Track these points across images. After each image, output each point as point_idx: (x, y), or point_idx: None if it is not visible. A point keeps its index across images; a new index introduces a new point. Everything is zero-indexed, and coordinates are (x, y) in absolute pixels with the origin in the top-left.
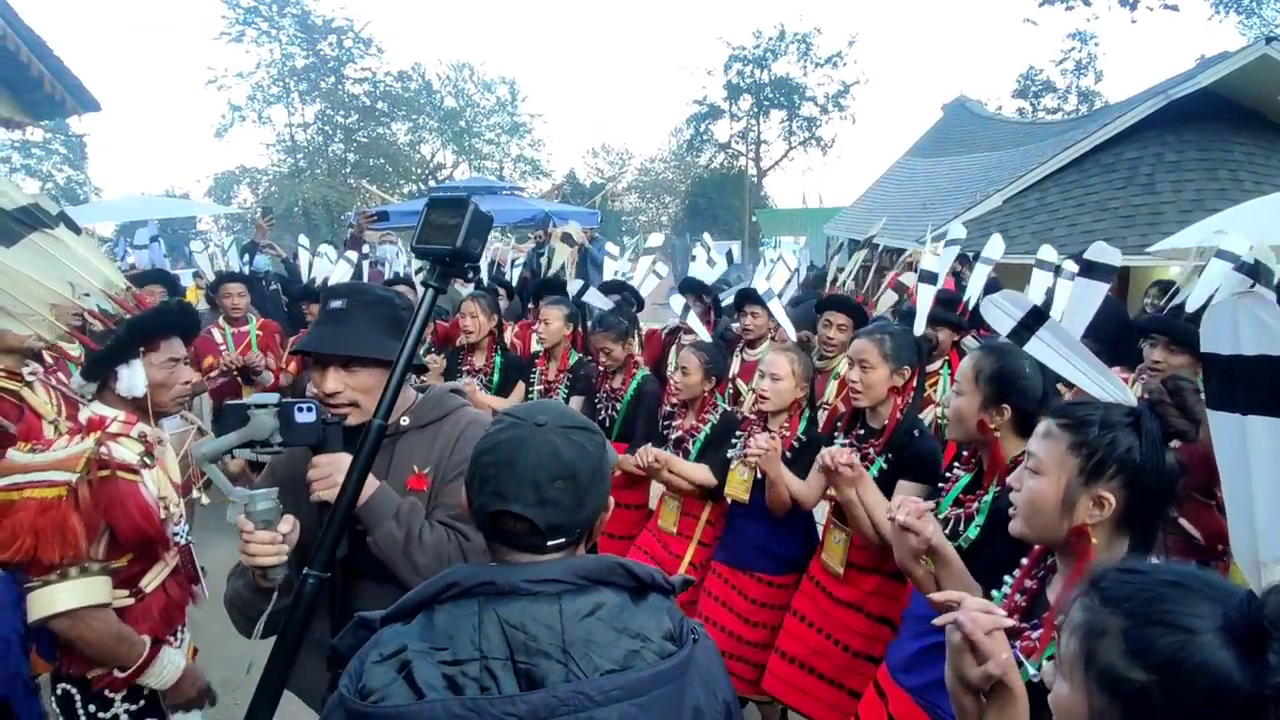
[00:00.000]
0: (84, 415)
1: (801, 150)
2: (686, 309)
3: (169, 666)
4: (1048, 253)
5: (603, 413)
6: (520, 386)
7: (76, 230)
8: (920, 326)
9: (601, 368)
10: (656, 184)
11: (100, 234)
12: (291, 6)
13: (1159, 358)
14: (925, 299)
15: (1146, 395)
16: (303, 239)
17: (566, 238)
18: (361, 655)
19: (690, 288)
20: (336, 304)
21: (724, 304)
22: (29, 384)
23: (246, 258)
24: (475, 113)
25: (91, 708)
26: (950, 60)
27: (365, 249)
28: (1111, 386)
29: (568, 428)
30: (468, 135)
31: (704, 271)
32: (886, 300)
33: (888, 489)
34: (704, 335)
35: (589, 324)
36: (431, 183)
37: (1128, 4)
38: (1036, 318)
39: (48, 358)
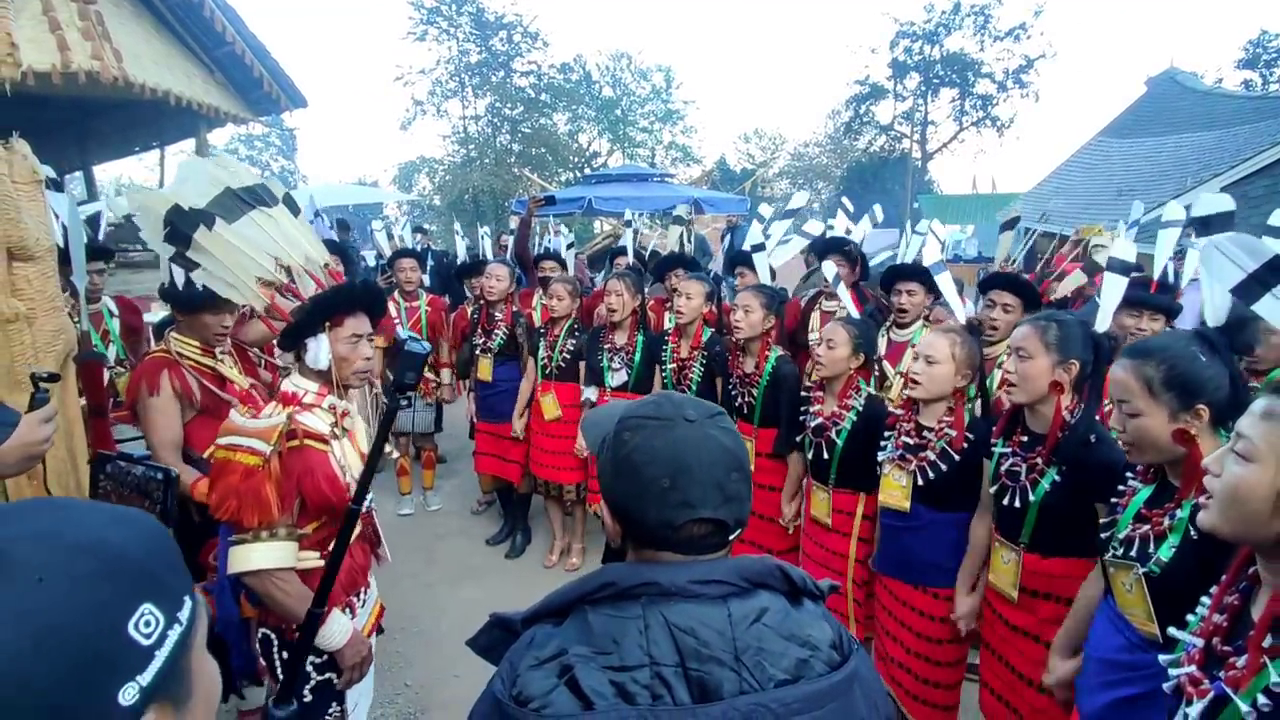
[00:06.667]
0: (285, 386)
1: (974, 131)
2: (838, 279)
3: (336, 632)
4: (1174, 210)
5: (738, 398)
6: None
7: (295, 211)
8: (1105, 321)
9: (734, 341)
10: (810, 169)
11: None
12: (468, 4)
13: None
14: (1113, 291)
15: None
16: (458, 228)
17: (677, 219)
18: (512, 658)
19: (829, 247)
20: None
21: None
22: (220, 359)
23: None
24: (631, 101)
25: (285, 654)
26: (1156, 29)
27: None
28: None
29: (713, 416)
30: (623, 124)
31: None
32: (1069, 284)
33: (1063, 505)
34: (853, 311)
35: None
36: (588, 170)
37: None
38: (1275, 271)
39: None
